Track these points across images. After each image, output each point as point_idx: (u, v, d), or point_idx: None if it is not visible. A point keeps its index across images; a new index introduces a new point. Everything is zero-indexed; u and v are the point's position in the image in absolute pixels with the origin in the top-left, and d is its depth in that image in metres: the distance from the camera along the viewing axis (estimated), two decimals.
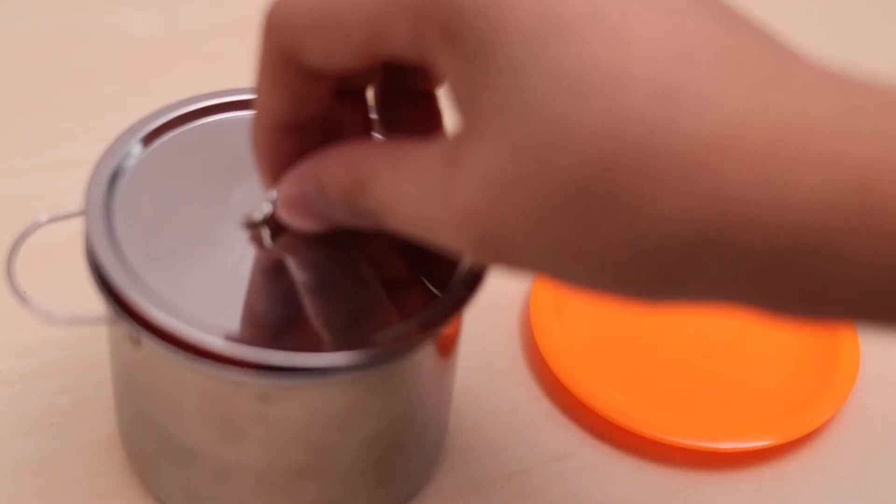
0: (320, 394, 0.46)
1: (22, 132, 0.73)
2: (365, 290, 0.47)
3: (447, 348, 0.50)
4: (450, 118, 0.39)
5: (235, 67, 0.81)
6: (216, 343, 0.42)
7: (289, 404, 0.46)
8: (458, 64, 0.33)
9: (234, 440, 0.47)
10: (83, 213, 0.48)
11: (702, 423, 0.59)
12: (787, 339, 0.63)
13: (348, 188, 0.38)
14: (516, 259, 0.34)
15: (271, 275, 0.46)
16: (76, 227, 0.49)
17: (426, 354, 0.48)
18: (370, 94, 0.44)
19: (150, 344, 0.44)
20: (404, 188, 0.36)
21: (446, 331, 0.48)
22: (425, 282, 0.49)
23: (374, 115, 0.45)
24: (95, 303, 0.47)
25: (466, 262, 0.47)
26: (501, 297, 0.65)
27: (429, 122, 0.43)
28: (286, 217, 0.42)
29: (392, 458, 0.50)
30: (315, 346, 0.43)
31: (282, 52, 0.38)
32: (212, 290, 0.45)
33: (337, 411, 0.46)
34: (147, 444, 0.51)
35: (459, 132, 0.34)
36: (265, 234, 0.46)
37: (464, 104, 0.34)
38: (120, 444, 0.55)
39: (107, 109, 0.75)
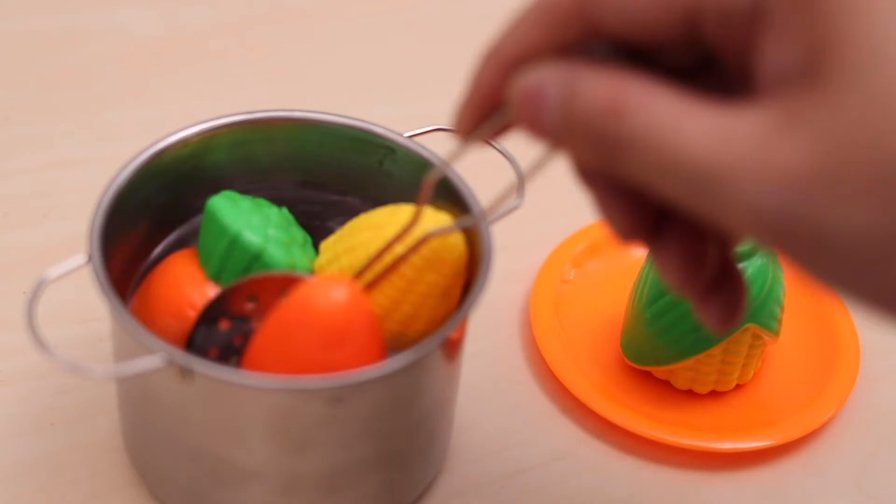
0: (384, 384, 0.46)
1: (22, 132, 0.73)
2: None
3: (453, 349, 0.51)
4: None
5: (235, 67, 0.82)
6: None
7: (357, 402, 0.46)
8: (809, 23, 0.30)
9: (301, 450, 0.47)
10: (88, 261, 0.47)
11: (702, 423, 0.59)
12: (787, 340, 0.63)
13: (602, 105, 0.33)
14: (814, 233, 0.30)
15: None
16: (73, 230, 0.49)
17: (435, 355, 0.48)
18: None
19: (205, 375, 0.44)
20: (682, 124, 0.31)
21: (452, 335, 0.48)
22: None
23: None
24: (99, 311, 0.47)
25: None
26: (502, 299, 0.65)
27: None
28: (512, 106, 0.36)
29: (438, 430, 0.52)
30: None
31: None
32: None
33: (396, 397, 0.47)
34: (189, 475, 0.50)
35: (791, 90, 0.31)
36: None
37: (805, 67, 0.31)
38: (121, 445, 0.55)
39: (107, 109, 0.75)
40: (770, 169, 0.30)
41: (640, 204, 0.36)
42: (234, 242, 0.50)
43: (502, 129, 0.38)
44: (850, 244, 0.30)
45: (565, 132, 0.34)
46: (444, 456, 0.56)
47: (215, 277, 0.51)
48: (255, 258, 0.50)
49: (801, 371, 0.62)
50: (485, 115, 0.38)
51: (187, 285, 0.50)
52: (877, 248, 0.30)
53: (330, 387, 0.45)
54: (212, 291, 0.51)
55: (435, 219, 0.50)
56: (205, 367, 0.44)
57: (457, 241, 0.50)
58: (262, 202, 0.53)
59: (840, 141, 0.29)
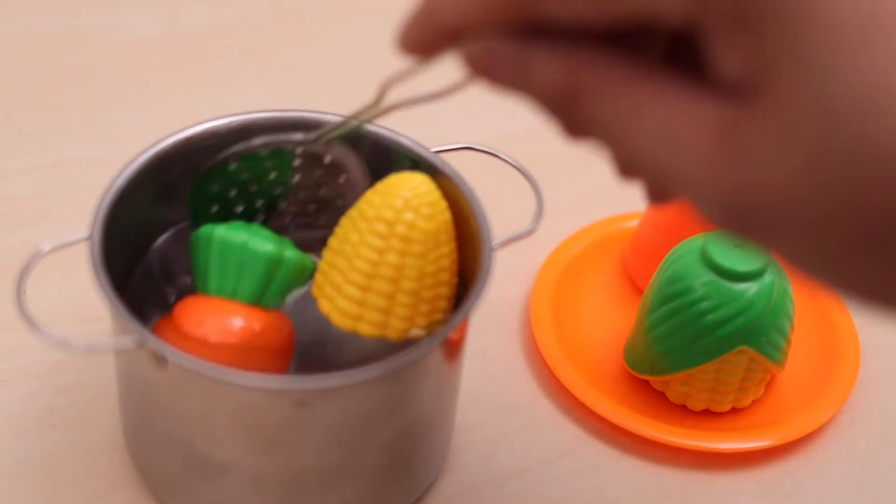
0: (352, 394, 0.46)
1: (22, 132, 0.73)
2: None
3: (454, 349, 0.51)
4: None
5: (235, 67, 0.81)
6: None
7: (324, 407, 0.46)
8: (746, 42, 0.30)
9: (269, 449, 0.47)
10: (87, 238, 0.47)
11: (702, 424, 0.59)
12: None
13: (557, 90, 0.32)
14: (766, 236, 0.31)
15: None
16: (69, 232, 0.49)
17: (436, 355, 0.48)
18: None
19: (177, 363, 0.44)
20: (643, 123, 0.31)
21: (453, 336, 0.48)
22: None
23: None
24: (99, 311, 0.47)
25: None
26: (502, 299, 0.65)
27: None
28: (467, 67, 0.34)
29: (418, 450, 0.51)
30: None
31: None
32: None
33: (367, 409, 0.47)
34: (170, 465, 0.50)
35: (738, 102, 0.31)
36: None
37: (749, 79, 0.30)
38: (121, 445, 0.55)
39: (107, 109, 0.75)
40: (723, 176, 0.31)
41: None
42: (279, 263, 0.49)
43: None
44: (793, 253, 0.31)
45: (525, 96, 0.34)
46: (444, 457, 0.56)
47: (256, 301, 0.49)
48: (299, 269, 0.50)
49: (801, 371, 0.62)
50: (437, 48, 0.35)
51: (218, 314, 0.49)
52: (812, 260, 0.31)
53: (294, 389, 0.45)
54: (252, 315, 0.49)
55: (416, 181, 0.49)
56: (176, 356, 0.44)
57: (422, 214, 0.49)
58: (240, 222, 0.52)
59: (780, 156, 0.30)
